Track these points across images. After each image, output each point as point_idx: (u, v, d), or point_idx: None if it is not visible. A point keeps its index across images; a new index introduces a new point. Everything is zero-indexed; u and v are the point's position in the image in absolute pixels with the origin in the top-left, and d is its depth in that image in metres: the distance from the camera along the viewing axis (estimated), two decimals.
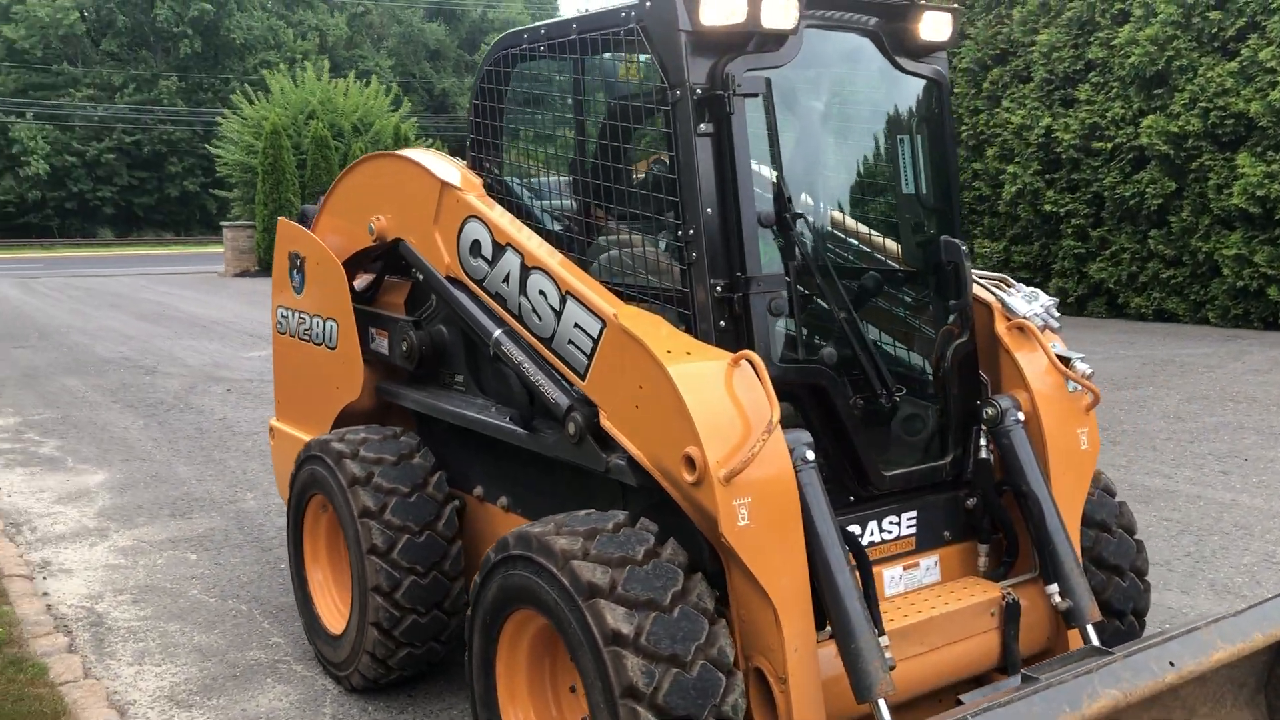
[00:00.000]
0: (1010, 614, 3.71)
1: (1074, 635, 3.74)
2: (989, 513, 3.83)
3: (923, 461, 3.84)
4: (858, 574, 3.30)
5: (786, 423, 3.39)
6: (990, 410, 3.79)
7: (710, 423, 3.17)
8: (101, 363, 13.54)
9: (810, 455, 3.30)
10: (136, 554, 6.39)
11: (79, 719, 4.14)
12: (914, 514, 3.80)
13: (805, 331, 3.66)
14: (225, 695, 4.58)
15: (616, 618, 3.07)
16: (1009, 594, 3.73)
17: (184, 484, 7.92)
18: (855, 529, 3.66)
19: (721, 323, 3.44)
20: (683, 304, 3.51)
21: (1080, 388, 3.91)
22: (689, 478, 3.16)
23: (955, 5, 5.20)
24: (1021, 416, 3.80)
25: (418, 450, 4.55)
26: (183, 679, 4.74)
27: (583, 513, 3.48)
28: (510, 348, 3.92)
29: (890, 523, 3.75)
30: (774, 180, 3.53)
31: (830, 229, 3.92)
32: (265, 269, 31.21)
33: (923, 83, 3.90)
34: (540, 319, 3.78)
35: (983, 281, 4.10)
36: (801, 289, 3.59)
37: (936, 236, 3.90)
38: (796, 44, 3.53)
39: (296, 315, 5.30)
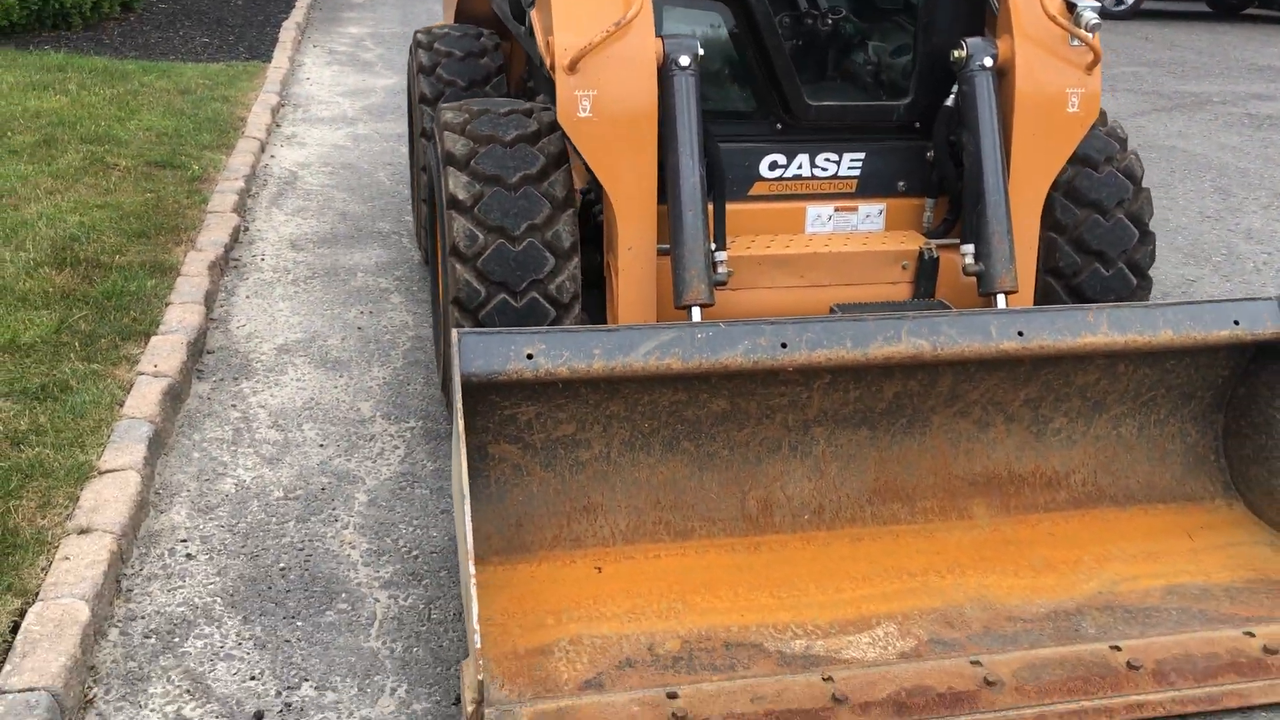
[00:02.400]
0: (925, 270, 3.53)
1: None
2: (937, 165, 3.56)
3: (869, 99, 3.59)
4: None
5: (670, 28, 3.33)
6: (958, 52, 3.43)
7: (572, 9, 3.19)
8: None
9: (686, 61, 3.23)
10: (365, 140, 7.29)
11: (203, 224, 5.08)
12: (859, 156, 3.62)
13: None
14: (331, 248, 5.36)
15: (458, 185, 3.31)
16: (929, 249, 3.52)
17: None
18: (779, 158, 3.58)
19: None
20: None
21: (1081, 43, 3.43)
22: (549, 61, 3.24)
23: None
24: (989, 62, 3.41)
25: (489, 51, 4.82)
26: (313, 231, 5.57)
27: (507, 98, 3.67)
28: None
29: (827, 160, 3.60)
30: None
31: None
32: None
33: None
34: None
35: None
36: None
37: None
38: None
39: None
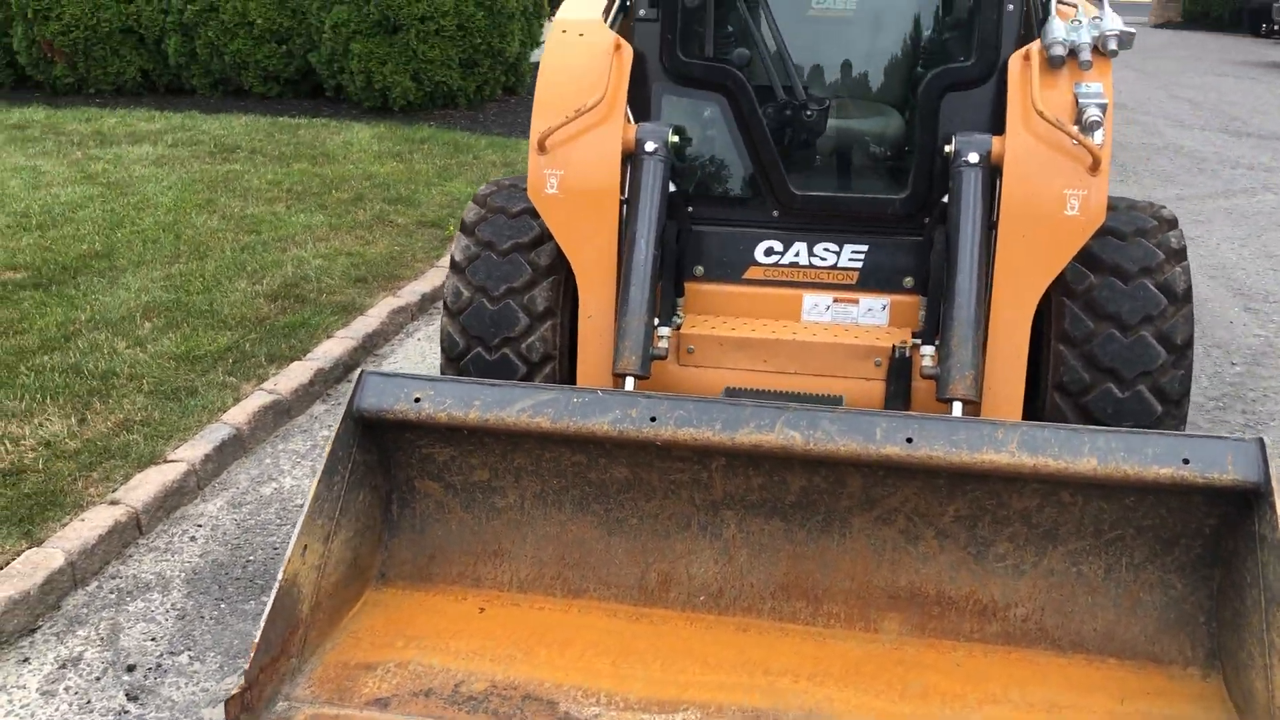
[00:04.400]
0: (897, 368, 3.37)
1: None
2: (928, 262, 3.40)
3: (863, 191, 3.49)
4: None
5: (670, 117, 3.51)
6: (949, 147, 3.29)
7: (554, 94, 3.46)
8: None
9: (652, 147, 3.38)
10: None
11: (421, 275, 5.82)
12: (862, 249, 3.55)
13: (726, 29, 3.53)
14: None
15: (459, 248, 3.69)
16: (902, 347, 3.36)
17: None
18: (774, 245, 3.60)
19: (641, 12, 3.56)
20: None
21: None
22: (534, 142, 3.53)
23: None
24: (974, 159, 3.23)
25: None
26: None
27: None
28: None
29: (826, 250, 3.57)
30: None
31: None
32: (1192, 20, 29.03)
33: None
34: None
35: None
36: None
37: None
38: None
39: None
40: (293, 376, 4.60)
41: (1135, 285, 3.29)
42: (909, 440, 2.87)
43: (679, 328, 3.52)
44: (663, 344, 3.37)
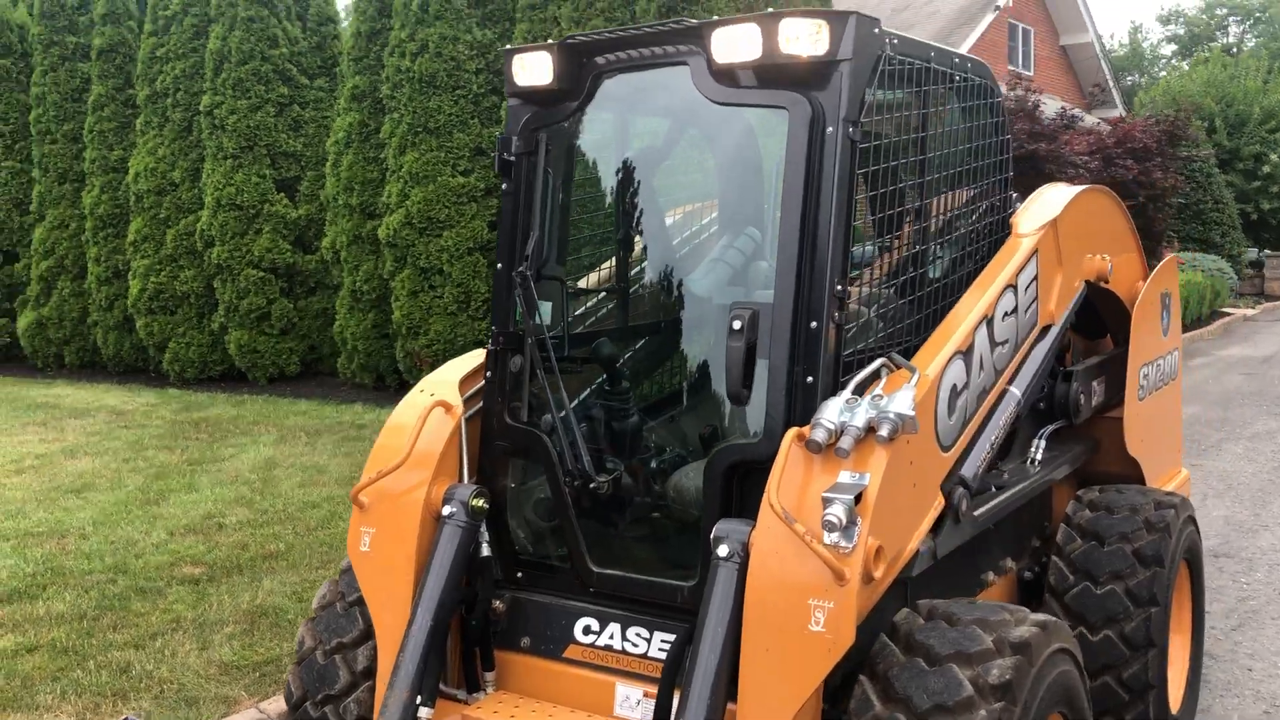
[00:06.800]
0: None
1: None
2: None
3: (654, 574, 3.07)
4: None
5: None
6: (713, 537, 2.86)
7: (381, 453, 3.47)
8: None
9: (448, 511, 3.27)
10: None
11: None
12: (670, 638, 3.12)
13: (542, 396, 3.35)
14: None
15: (319, 596, 3.71)
16: None
17: None
18: (592, 623, 3.27)
19: (489, 373, 3.52)
20: None
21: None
22: None
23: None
24: (725, 552, 2.78)
25: None
26: None
27: None
28: None
29: (637, 635, 3.19)
30: (538, 240, 3.37)
31: (587, 292, 3.36)
32: None
33: (757, 115, 3.02)
34: None
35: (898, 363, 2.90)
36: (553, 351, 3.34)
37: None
38: (578, 96, 3.30)
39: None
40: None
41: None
42: None
43: (468, 705, 3.27)
44: None
